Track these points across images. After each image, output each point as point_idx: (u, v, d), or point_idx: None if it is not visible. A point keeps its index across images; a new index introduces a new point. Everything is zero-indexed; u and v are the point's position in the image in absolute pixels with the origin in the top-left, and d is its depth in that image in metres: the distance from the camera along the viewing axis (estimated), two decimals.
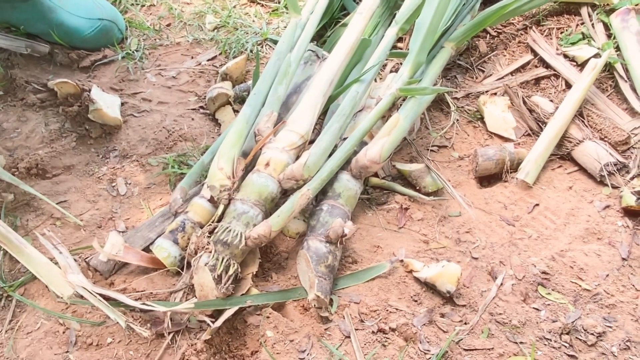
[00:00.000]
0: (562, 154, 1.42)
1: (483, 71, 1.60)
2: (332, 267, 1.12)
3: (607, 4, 1.61)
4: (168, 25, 1.75)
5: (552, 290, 1.17)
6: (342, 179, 1.23)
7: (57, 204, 1.26)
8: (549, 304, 1.15)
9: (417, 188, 1.33)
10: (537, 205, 1.33)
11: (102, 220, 1.26)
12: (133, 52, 1.64)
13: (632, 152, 1.40)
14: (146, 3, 1.80)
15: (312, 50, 1.47)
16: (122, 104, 1.50)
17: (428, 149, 1.45)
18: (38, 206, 1.27)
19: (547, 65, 1.57)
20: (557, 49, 1.59)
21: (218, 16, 1.77)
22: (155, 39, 1.70)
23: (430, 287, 1.14)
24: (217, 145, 1.27)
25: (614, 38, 1.55)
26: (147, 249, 1.18)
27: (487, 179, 1.41)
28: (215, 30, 1.73)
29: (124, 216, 1.27)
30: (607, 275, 1.20)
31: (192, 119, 1.48)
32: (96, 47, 1.63)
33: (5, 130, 1.41)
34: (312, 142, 1.26)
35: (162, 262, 1.14)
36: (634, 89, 1.48)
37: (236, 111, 1.48)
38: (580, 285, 1.18)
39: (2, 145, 1.37)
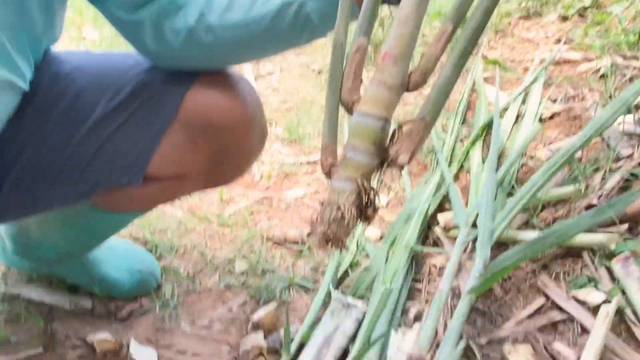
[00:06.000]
0: None
1: (501, 315, 1.69)
2: None
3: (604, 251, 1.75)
4: (200, 270, 1.87)
5: None
6: None
7: None
8: None
9: None
10: None
11: None
12: (167, 300, 1.73)
13: None
14: (180, 249, 1.93)
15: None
16: (158, 357, 1.55)
17: None
18: None
19: (561, 308, 1.67)
20: (567, 292, 1.70)
21: (246, 261, 1.89)
22: (188, 285, 1.80)
23: None
24: None
25: (619, 282, 1.67)
26: None
27: None
28: (244, 275, 1.85)
29: None
30: None
31: None
32: (133, 297, 1.72)
33: None
34: None
35: None
36: None
37: None
38: None
39: None
